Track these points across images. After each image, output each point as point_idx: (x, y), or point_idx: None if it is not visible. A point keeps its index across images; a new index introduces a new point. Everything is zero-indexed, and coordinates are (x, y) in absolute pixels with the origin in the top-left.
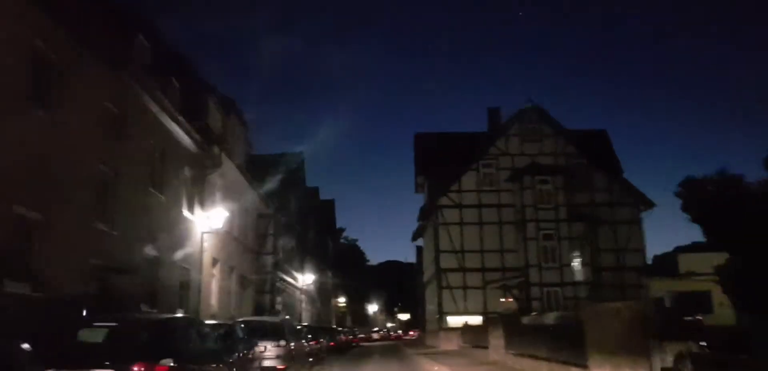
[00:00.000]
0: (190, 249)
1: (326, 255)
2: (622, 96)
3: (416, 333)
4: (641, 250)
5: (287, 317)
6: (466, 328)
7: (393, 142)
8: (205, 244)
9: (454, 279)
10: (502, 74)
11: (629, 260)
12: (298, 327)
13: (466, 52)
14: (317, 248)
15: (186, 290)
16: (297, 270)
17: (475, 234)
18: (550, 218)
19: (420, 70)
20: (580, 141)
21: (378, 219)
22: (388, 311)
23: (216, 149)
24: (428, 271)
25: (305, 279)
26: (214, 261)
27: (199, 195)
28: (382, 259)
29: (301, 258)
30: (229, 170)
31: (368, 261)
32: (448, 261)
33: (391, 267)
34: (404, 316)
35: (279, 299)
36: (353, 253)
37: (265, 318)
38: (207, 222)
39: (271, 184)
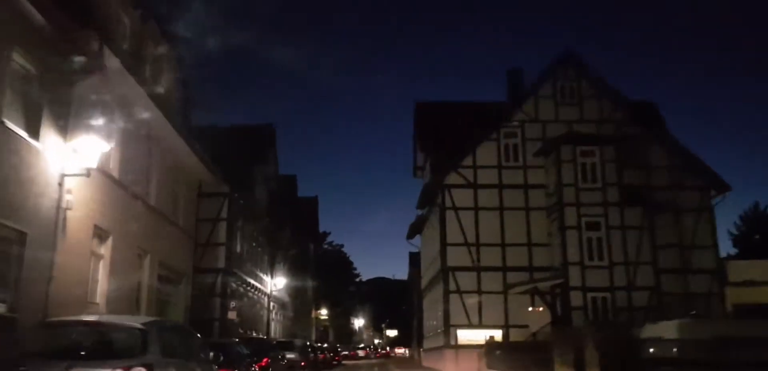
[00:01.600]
0: (29, 198)
1: (306, 260)
2: (670, 65)
3: (405, 351)
4: (712, 247)
5: (179, 320)
6: (494, 346)
7: (386, 132)
8: (70, 197)
9: (466, 281)
10: (523, 34)
11: (696, 260)
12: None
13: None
14: (294, 249)
15: (15, 270)
16: (265, 273)
17: (493, 223)
18: (596, 202)
19: (421, 28)
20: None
21: (366, 232)
22: (376, 327)
23: (94, 41)
24: (429, 274)
25: (276, 283)
26: (100, 234)
27: (57, 111)
28: (370, 276)
29: (271, 257)
30: (134, 94)
31: (355, 269)
32: (457, 256)
33: (379, 283)
34: (392, 332)
35: (234, 304)
36: (338, 261)
37: (104, 318)
38: (73, 160)
39: (229, 157)
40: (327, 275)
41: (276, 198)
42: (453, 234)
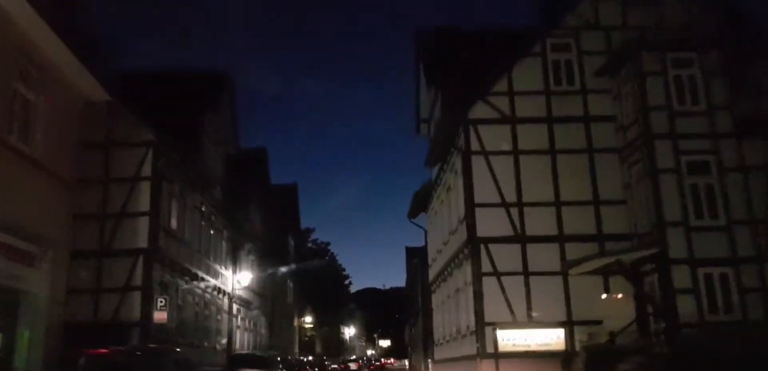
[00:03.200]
0: None
1: (285, 257)
2: None
3: (397, 362)
4: None
5: None
6: (594, 353)
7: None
8: None
9: (505, 257)
10: None
11: None
12: None
13: None
14: (268, 243)
15: None
16: (223, 265)
17: (542, 173)
18: (701, 131)
19: None
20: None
21: (352, 242)
22: (368, 337)
23: None
24: (442, 259)
25: (239, 279)
26: None
27: None
28: (360, 287)
29: (233, 246)
30: None
31: (344, 270)
32: (491, 223)
33: (369, 293)
34: (385, 343)
35: (163, 302)
36: (325, 261)
37: None
38: None
39: (163, 103)
40: (311, 276)
41: (238, 170)
42: (483, 191)
